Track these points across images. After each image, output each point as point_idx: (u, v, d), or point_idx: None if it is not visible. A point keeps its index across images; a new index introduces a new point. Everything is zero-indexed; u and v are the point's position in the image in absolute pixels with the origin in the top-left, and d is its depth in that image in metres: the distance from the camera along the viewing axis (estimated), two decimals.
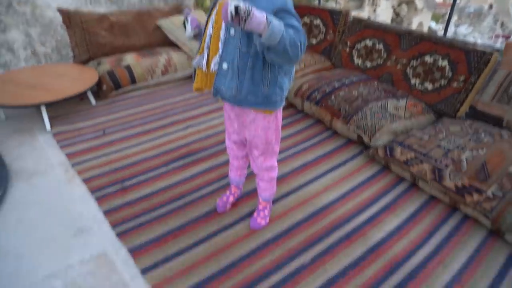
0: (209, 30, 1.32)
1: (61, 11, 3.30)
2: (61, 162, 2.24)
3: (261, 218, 1.73)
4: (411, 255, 1.59)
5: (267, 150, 1.55)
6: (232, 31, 1.26)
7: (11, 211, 1.83)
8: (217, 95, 1.40)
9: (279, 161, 2.18)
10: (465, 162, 1.89)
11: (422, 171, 1.94)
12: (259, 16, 1.05)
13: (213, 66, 1.33)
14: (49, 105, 2.74)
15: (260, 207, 1.76)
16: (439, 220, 1.80)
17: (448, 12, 2.90)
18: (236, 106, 1.42)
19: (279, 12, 1.17)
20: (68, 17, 3.29)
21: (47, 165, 2.21)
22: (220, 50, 1.30)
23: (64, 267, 1.52)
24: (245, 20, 1.05)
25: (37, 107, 2.60)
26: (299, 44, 1.14)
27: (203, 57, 1.35)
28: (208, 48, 1.34)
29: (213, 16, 1.31)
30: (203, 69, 1.37)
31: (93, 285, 1.45)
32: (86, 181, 2.05)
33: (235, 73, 1.29)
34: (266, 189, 1.70)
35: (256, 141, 1.51)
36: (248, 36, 1.22)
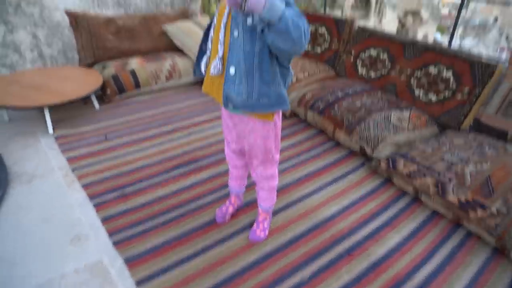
0: (211, 33, 1.32)
1: (69, 14, 3.32)
2: (62, 166, 2.23)
3: (260, 231, 1.71)
4: (414, 272, 1.56)
5: (267, 158, 1.52)
6: (235, 33, 1.22)
7: (9, 215, 1.82)
8: (228, 104, 1.34)
9: (280, 171, 2.16)
10: (469, 176, 1.86)
11: (425, 185, 1.91)
12: None
13: (213, 70, 1.28)
14: (53, 108, 2.74)
15: (260, 218, 1.74)
16: (442, 236, 1.77)
17: (453, 24, 2.89)
18: (248, 111, 1.35)
19: None
20: (75, 20, 3.30)
21: (47, 169, 2.20)
22: (220, 52, 1.26)
23: (58, 276, 1.50)
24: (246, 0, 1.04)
25: (41, 109, 2.59)
26: (302, 27, 1.11)
27: (206, 58, 1.36)
28: (210, 50, 1.33)
29: (214, 20, 1.31)
30: (202, 70, 1.36)
31: None
32: (85, 186, 2.03)
33: (243, 76, 1.25)
34: (266, 198, 1.67)
35: (256, 150, 1.49)
36: (251, 33, 1.19)
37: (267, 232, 1.72)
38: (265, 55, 1.22)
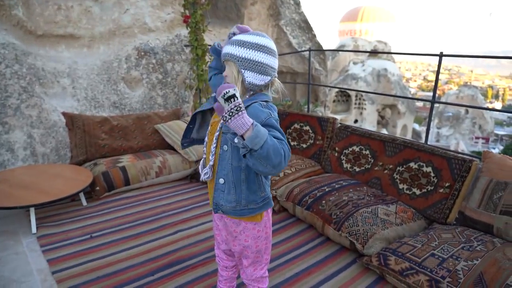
0: (206, 139, 1.43)
1: (65, 114, 3.50)
2: (41, 270, 2.13)
3: None
4: None
5: (257, 259, 1.51)
6: (225, 147, 1.32)
7: None
8: (218, 210, 1.42)
9: (270, 270, 2.09)
10: (461, 273, 1.84)
11: (418, 283, 1.87)
12: (246, 117, 1.09)
13: (203, 176, 1.39)
14: (39, 206, 2.71)
15: None
16: None
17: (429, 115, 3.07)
18: (237, 217, 1.41)
19: (263, 126, 1.20)
20: (71, 120, 3.47)
21: (25, 273, 2.09)
22: (211, 162, 1.36)
23: None
24: (232, 114, 1.07)
25: (27, 208, 2.56)
26: (282, 152, 1.14)
27: (203, 161, 1.44)
28: (205, 159, 1.43)
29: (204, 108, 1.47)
30: (200, 176, 1.43)
31: None
32: None
33: (231, 186, 1.34)
34: None
35: (247, 251, 1.48)
36: (238, 151, 1.25)
37: None
38: (251, 170, 1.30)
